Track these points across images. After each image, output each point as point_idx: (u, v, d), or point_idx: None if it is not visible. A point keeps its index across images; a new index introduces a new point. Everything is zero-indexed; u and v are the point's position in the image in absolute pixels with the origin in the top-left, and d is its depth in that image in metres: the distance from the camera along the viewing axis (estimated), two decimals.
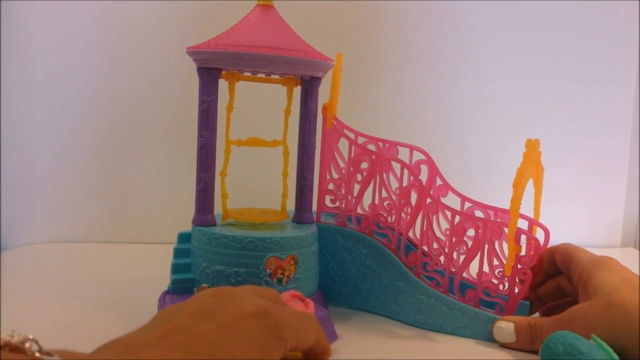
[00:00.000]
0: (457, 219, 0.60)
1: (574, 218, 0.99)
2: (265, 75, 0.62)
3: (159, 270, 0.66)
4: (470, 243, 0.59)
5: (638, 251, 1.01)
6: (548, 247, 0.59)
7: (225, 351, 0.34)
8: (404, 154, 0.65)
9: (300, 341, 0.40)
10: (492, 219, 0.62)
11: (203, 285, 0.54)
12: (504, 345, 0.56)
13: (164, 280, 0.60)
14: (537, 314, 0.63)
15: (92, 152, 0.88)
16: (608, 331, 0.49)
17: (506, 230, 0.57)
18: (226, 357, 0.33)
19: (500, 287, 0.59)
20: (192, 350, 0.33)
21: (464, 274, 0.61)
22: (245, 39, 0.56)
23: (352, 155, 0.64)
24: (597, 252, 0.59)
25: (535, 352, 0.53)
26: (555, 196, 0.94)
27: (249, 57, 0.55)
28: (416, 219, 0.61)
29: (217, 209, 0.61)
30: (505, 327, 0.56)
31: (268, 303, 0.40)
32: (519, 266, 0.58)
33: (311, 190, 0.64)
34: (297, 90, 0.63)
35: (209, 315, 0.36)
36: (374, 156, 0.62)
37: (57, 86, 0.86)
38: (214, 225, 0.60)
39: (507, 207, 0.57)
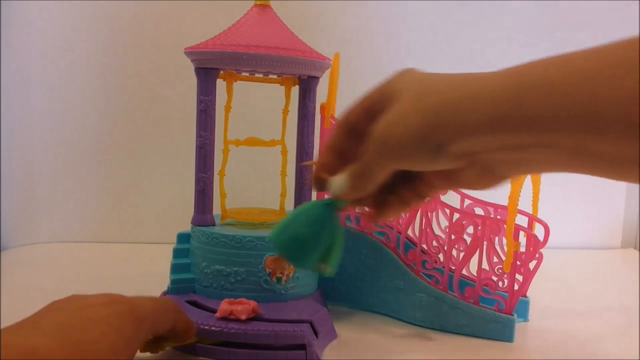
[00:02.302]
0: (456, 216, 0.60)
1: (574, 219, 0.99)
2: (263, 74, 0.62)
3: (158, 270, 0.66)
4: (469, 240, 0.59)
5: (638, 252, 1.01)
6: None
7: (76, 331, 0.36)
8: None
9: (160, 321, 0.43)
10: (492, 215, 0.63)
11: None
12: (342, 198, 0.43)
13: (164, 280, 0.60)
14: None
15: (92, 153, 0.89)
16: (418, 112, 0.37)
17: (505, 227, 0.57)
18: (76, 335, 0.36)
19: (500, 283, 0.59)
20: (42, 330, 0.35)
21: (464, 271, 0.61)
22: (242, 39, 0.56)
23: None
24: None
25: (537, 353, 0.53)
26: (556, 197, 0.95)
27: (246, 57, 0.55)
28: (415, 217, 0.61)
29: (216, 209, 0.61)
30: (338, 178, 0.42)
31: (119, 294, 0.42)
32: (518, 263, 0.58)
33: (310, 189, 0.64)
34: (295, 90, 0.63)
35: (59, 309, 0.39)
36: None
37: (57, 86, 0.86)
38: (213, 225, 0.60)
39: (506, 204, 0.57)
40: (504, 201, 0.58)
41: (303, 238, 0.44)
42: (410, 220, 0.62)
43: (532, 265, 0.58)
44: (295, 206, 0.64)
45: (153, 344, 0.48)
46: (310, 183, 0.44)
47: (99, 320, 0.38)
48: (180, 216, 0.69)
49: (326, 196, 0.44)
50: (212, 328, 0.50)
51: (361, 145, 0.40)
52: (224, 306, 0.51)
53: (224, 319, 0.51)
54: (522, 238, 0.58)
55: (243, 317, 0.51)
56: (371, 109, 0.40)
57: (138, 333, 0.41)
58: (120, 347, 0.38)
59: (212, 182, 0.59)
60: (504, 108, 0.32)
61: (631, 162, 0.30)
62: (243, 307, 0.51)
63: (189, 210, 0.60)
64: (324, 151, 0.43)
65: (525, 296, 0.64)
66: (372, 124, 0.39)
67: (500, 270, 0.59)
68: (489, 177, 0.37)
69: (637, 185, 1.01)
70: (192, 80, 0.58)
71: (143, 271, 0.76)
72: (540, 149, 0.32)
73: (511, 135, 0.32)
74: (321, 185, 0.43)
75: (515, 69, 0.33)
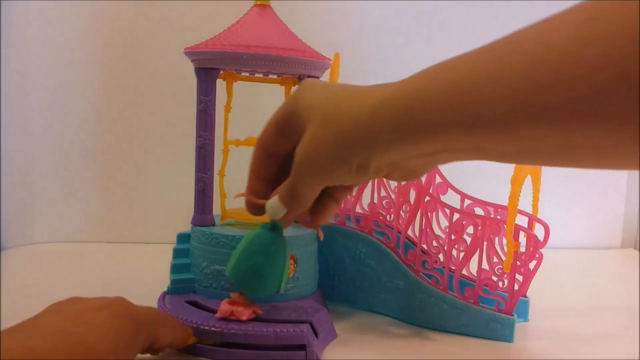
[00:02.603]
0: (456, 216, 0.60)
1: (574, 219, 0.99)
2: (263, 74, 0.62)
3: (159, 270, 0.66)
4: (469, 240, 0.59)
5: (638, 252, 1.01)
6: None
7: (74, 334, 0.36)
8: None
9: (159, 331, 0.43)
10: (492, 215, 0.63)
11: None
12: (281, 220, 0.45)
13: (164, 280, 0.60)
14: None
15: (92, 153, 0.89)
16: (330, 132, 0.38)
17: (505, 227, 0.57)
18: (74, 338, 0.36)
19: (500, 284, 0.59)
20: (39, 333, 0.35)
21: (464, 272, 0.61)
22: (242, 39, 0.56)
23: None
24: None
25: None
26: (556, 197, 0.95)
27: (246, 57, 0.55)
28: (415, 217, 0.61)
29: (216, 209, 0.61)
30: (273, 202, 0.44)
31: (120, 297, 0.42)
32: (518, 263, 0.58)
33: None
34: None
35: (57, 312, 0.39)
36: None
37: (57, 86, 0.86)
38: (213, 225, 0.60)
39: (506, 204, 0.57)
40: (504, 201, 0.58)
41: (261, 268, 0.47)
42: (410, 220, 0.62)
43: (532, 265, 0.58)
44: None
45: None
46: (250, 212, 0.45)
47: (98, 323, 0.38)
48: (180, 216, 0.69)
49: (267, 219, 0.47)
50: (212, 329, 0.50)
51: (283, 165, 0.43)
52: (224, 307, 0.51)
53: (224, 319, 0.51)
54: (522, 238, 0.58)
55: (244, 317, 0.51)
56: (284, 129, 0.42)
57: (137, 337, 0.41)
58: (119, 350, 0.38)
59: (212, 182, 0.59)
60: (400, 123, 0.33)
61: (524, 154, 0.31)
62: (244, 307, 0.51)
63: (189, 210, 0.60)
64: (250, 178, 0.45)
65: (525, 296, 0.64)
66: (290, 144, 0.41)
67: (500, 271, 0.59)
68: (412, 174, 0.40)
69: (637, 186, 1.01)
70: (192, 80, 0.58)
71: (143, 271, 0.76)
72: (447, 153, 0.34)
73: (416, 145, 0.34)
74: (257, 212, 0.45)
75: (402, 83, 0.35)
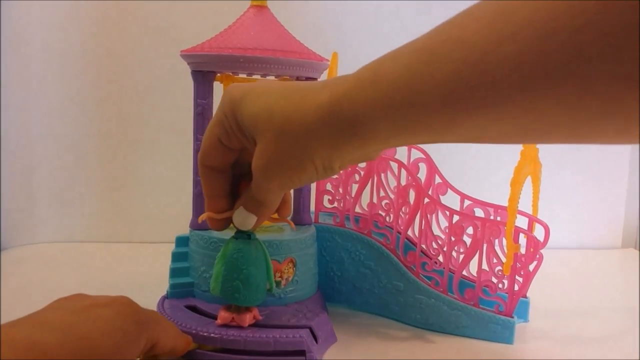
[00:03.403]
0: (456, 218, 0.59)
1: (574, 219, 0.99)
2: (261, 76, 0.61)
3: (158, 271, 0.66)
4: (469, 242, 0.59)
5: (638, 252, 1.00)
6: None
7: (79, 329, 0.36)
8: (402, 153, 0.65)
9: (162, 335, 0.43)
10: (492, 216, 0.62)
11: None
12: (253, 229, 0.47)
13: (164, 280, 0.60)
14: None
15: (92, 153, 0.88)
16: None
17: (505, 228, 0.57)
18: (79, 333, 0.36)
19: (500, 285, 0.59)
20: (44, 326, 0.35)
21: (464, 273, 0.61)
22: (239, 41, 0.55)
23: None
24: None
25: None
26: (556, 197, 0.94)
27: (243, 60, 0.54)
28: (414, 219, 0.61)
29: None
30: (241, 213, 0.45)
31: (124, 296, 0.42)
32: (518, 264, 0.57)
33: (309, 190, 0.63)
34: None
35: (61, 307, 0.39)
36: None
37: (57, 87, 0.86)
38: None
39: (506, 205, 0.57)
40: (504, 201, 0.58)
41: (252, 278, 0.49)
42: (410, 222, 0.62)
43: (532, 266, 0.57)
44: (294, 208, 0.63)
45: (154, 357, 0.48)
46: (217, 229, 0.47)
47: (103, 319, 0.38)
48: (181, 216, 0.69)
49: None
50: (212, 335, 0.50)
51: (233, 175, 0.45)
52: (224, 314, 0.51)
53: (224, 325, 0.51)
54: (523, 239, 0.57)
55: (246, 324, 0.50)
56: (227, 144, 0.42)
57: (140, 336, 0.41)
58: (123, 347, 0.38)
59: None
60: (347, 127, 0.34)
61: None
62: (244, 314, 0.51)
63: (189, 211, 0.60)
64: (207, 198, 0.46)
65: (526, 297, 0.64)
66: (234, 155, 0.43)
67: (500, 272, 0.58)
68: (373, 157, 0.40)
69: (637, 186, 1.00)
70: (190, 83, 0.58)
71: (143, 271, 0.76)
72: (402, 139, 0.35)
73: (366, 146, 0.35)
74: (224, 226, 0.47)
75: (341, 84, 0.35)
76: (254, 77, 0.62)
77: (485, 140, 0.32)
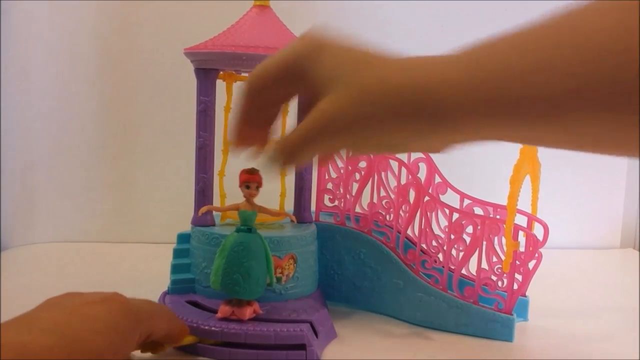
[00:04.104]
0: (455, 216, 0.60)
1: (573, 219, 0.99)
2: None
3: (159, 270, 0.66)
4: (468, 240, 0.59)
5: (637, 252, 1.01)
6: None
7: (71, 328, 0.36)
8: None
9: (155, 324, 0.43)
10: (491, 215, 0.63)
11: None
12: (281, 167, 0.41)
13: (164, 280, 0.60)
14: None
15: (92, 152, 0.89)
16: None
17: (504, 226, 0.57)
18: (71, 332, 0.35)
19: (499, 283, 0.59)
20: (35, 327, 0.35)
21: (463, 271, 0.61)
22: (242, 40, 0.56)
23: (350, 154, 0.64)
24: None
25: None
26: (555, 197, 0.95)
27: (245, 58, 0.55)
28: (414, 217, 0.62)
29: None
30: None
31: (116, 293, 0.42)
32: (517, 262, 0.58)
33: (310, 189, 0.64)
34: None
35: (54, 306, 0.39)
36: (371, 155, 0.63)
37: (57, 86, 0.86)
38: (213, 225, 0.60)
39: (505, 204, 0.57)
40: (503, 201, 0.58)
41: (252, 271, 0.50)
42: (410, 220, 0.62)
43: (531, 264, 0.58)
44: (294, 207, 0.64)
45: (152, 345, 0.48)
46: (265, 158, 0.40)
47: (96, 317, 0.38)
48: (180, 216, 0.69)
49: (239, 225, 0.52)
50: (213, 328, 0.50)
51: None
52: (224, 307, 0.51)
53: (225, 319, 0.51)
54: (522, 238, 0.58)
55: (246, 317, 0.51)
56: (288, 84, 0.39)
57: (134, 332, 0.41)
58: (117, 345, 0.38)
59: (212, 183, 0.60)
60: (435, 112, 0.32)
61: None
62: (244, 307, 0.51)
63: (189, 210, 0.60)
64: (239, 122, 0.41)
65: (525, 296, 0.64)
66: (290, 96, 0.40)
67: (499, 270, 0.59)
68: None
69: (637, 185, 1.01)
70: (192, 81, 0.59)
71: (143, 271, 0.76)
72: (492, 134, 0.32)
73: (449, 135, 0.33)
74: (252, 155, 0.43)
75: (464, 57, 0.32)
76: None
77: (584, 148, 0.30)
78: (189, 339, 0.51)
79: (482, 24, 0.96)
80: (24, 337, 0.34)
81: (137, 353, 0.49)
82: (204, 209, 0.55)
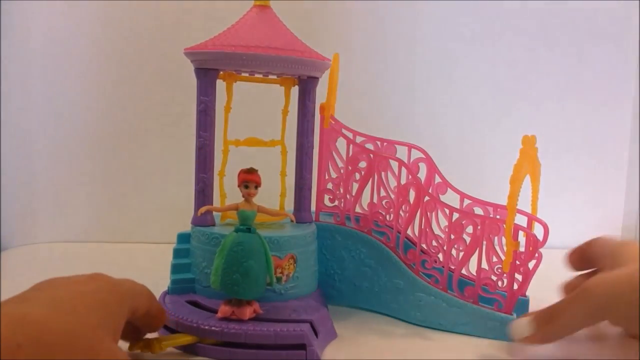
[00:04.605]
0: (456, 216, 0.60)
1: (573, 218, 0.99)
2: (263, 75, 0.62)
3: (159, 270, 0.66)
4: (468, 240, 0.59)
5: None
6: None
7: (65, 303, 0.37)
8: (402, 153, 0.65)
9: (138, 302, 0.45)
10: (491, 215, 0.63)
11: None
12: (523, 341, 0.52)
13: (164, 280, 0.60)
14: None
15: (92, 152, 0.89)
16: (631, 296, 0.46)
17: (504, 226, 0.57)
18: (66, 306, 0.37)
19: (499, 283, 0.59)
20: (31, 302, 0.36)
21: (463, 271, 0.61)
22: (242, 40, 0.56)
23: (350, 155, 0.64)
24: None
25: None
26: (555, 197, 0.95)
27: (246, 58, 0.55)
28: (414, 217, 0.62)
29: None
30: (521, 322, 0.52)
31: (99, 273, 0.44)
32: (517, 262, 0.58)
33: (310, 189, 0.64)
34: (295, 90, 0.63)
35: (44, 288, 0.40)
36: (372, 155, 0.63)
37: (57, 86, 0.86)
38: (213, 225, 0.60)
39: (505, 204, 0.57)
40: (503, 201, 0.58)
41: (252, 270, 0.50)
42: (410, 220, 0.62)
43: (531, 264, 0.58)
44: (294, 207, 0.64)
45: (148, 342, 0.48)
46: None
47: (87, 293, 0.39)
48: (180, 216, 0.69)
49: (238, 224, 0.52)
50: (213, 328, 0.50)
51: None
52: (224, 307, 0.51)
53: (225, 319, 0.51)
54: (522, 237, 0.58)
55: (246, 317, 0.51)
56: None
57: (122, 308, 0.42)
58: (108, 319, 0.39)
59: (212, 183, 0.60)
60: None
61: None
62: (245, 307, 0.51)
63: (189, 210, 0.60)
64: None
65: (525, 295, 0.64)
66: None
67: (499, 270, 0.59)
68: None
69: (637, 185, 1.01)
70: (192, 81, 0.59)
71: (143, 271, 0.75)
72: None
73: None
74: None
75: None
76: (256, 75, 0.62)
77: None
78: (188, 339, 0.51)
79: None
80: (21, 309, 0.35)
81: (137, 352, 0.49)
82: (203, 209, 0.55)
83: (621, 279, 0.46)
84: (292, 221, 0.59)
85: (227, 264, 0.50)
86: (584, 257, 0.59)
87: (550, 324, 0.49)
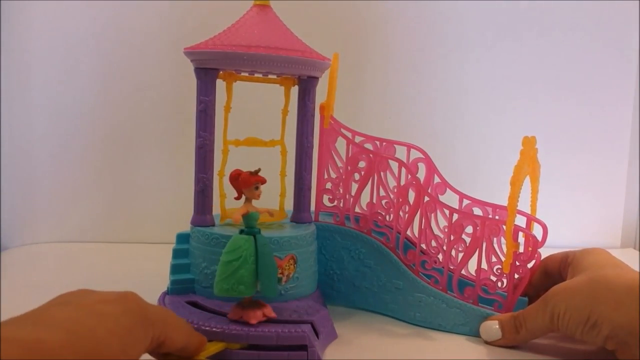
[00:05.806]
0: (455, 216, 0.60)
1: (573, 219, 0.99)
2: (263, 75, 0.62)
3: (159, 270, 0.66)
4: (468, 240, 0.59)
5: (638, 252, 1.01)
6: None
7: (84, 327, 0.34)
8: (401, 153, 0.65)
9: (170, 333, 0.41)
10: (491, 215, 0.63)
11: None
12: (491, 344, 0.57)
13: (164, 280, 0.60)
14: None
15: (92, 153, 0.89)
16: (587, 301, 0.50)
17: (504, 227, 0.57)
18: (84, 331, 0.34)
19: (499, 284, 0.59)
20: (47, 324, 0.34)
21: (463, 272, 0.61)
22: (242, 39, 0.56)
23: (349, 155, 0.64)
24: None
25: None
26: (555, 197, 0.95)
27: (246, 57, 0.55)
28: (414, 217, 0.62)
29: (216, 209, 0.61)
30: (490, 325, 0.57)
31: (132, 292, 0.41)
32: (517, 263, 0.58)
33: (309, 189, 0.64)
34: (295, 90, 0.63)
35: (67, 302, 0.38)
36: (371, 155, 0.63)
37: (57, 86, 0.86)
38: (213, 225, 0.60)
39: (505, 204, 0.57)
40: (502, 201, 0.58)
41: (275, 267, 0.51)
42: (410, 221, 0.62)
43: (530, 265, 0.58)
44: (294, 207, 0.64)
45: (167, 356, 0.45)
46: None
47: (109, 316, 0.37)
48: (180, 216, 0.69)
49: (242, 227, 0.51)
50: (214, 329, 0.50)
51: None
52: (235, 310, 0.51)
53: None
54: (521, 238, 0.58)
55: (253, 321, 0.50)
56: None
57: (146, 335, 0.40)
58: (128, 346, 0.37)
59: (211, 183, 0.60)
60: None
61: None
62: (253, 310, 0.51)
63: (189, 211, 0.60)
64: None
65: (525, 296, 0.64)
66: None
67: (499, 271, 0.59)
68: None
69: (637, 186, 1.01)
70: (192, 81, 0.59)
71: (143, 271, 0.75)
72: None
73: None
74: None
75: None
76: (256, 75, 0.62)
77: None
78: (219, 346, 0.49)
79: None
80: (34, 334, 0.32)
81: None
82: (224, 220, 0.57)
83: (580, 285, 0.51)
84: (271, 215, 0.60)
85: (263, 267, 0.50)
86: (545, 273, 0.61)
87: (515, 330, 0.55)
